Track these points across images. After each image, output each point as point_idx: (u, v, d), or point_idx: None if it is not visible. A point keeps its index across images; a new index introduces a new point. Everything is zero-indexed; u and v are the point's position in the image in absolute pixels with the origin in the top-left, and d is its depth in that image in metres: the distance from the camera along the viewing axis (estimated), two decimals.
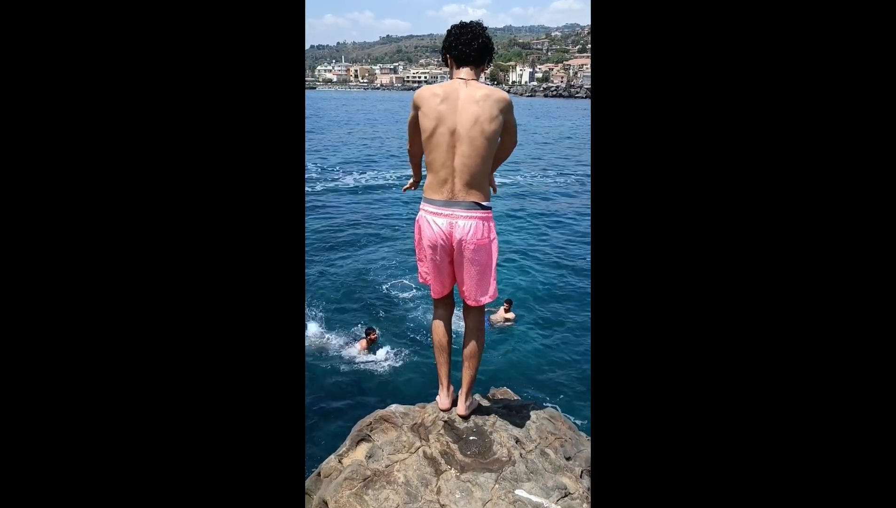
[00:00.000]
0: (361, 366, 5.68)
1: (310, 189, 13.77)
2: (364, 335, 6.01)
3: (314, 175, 16.06)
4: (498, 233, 1.90)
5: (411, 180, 2.11)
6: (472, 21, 1.86)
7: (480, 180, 1.77)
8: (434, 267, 1.95)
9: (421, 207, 1.89)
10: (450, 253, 1.87)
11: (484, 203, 1.80)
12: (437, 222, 1.83)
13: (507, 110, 1.75)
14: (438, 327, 2.08)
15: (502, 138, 1.82)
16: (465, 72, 1.81)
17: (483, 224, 1.80)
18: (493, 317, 6.87)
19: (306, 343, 5.85)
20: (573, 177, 16.69)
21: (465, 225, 1.79)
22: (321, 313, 6.68)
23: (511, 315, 6.93)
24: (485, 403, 2.63)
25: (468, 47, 1.79)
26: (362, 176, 16.37)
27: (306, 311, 6.49)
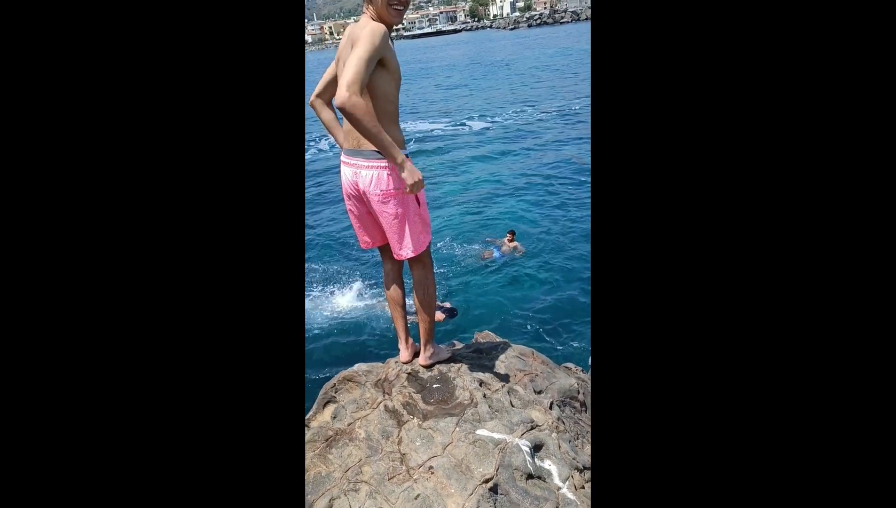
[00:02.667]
0: (344, 321, 5.74)
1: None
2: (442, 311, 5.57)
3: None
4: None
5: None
6: None
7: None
8: (353, 218, 1.92)
9: None
10: (365, 204, 1.81)
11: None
12: (345, 171, 1.79)
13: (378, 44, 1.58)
14: (387, 281, 2.07)
15: (382, 75, 1.66)
16: (365, 8, 1.69)
17: (386, 174, 1.71)
18: (503, 249, 6.99)
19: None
20: (556, 110, 16.20)
21: (367, 175, 1.71)
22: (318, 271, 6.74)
23: (516, 244, 7.03)
24: (458, 348, 2.65)
25: None
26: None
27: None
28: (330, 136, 1.94)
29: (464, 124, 15.20)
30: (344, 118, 1.55)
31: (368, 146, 1.67)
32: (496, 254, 7.01)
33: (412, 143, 12.78)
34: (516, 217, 8.34)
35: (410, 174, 1.60)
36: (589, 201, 8.58)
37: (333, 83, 1.81)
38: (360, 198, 1.81)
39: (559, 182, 9.81)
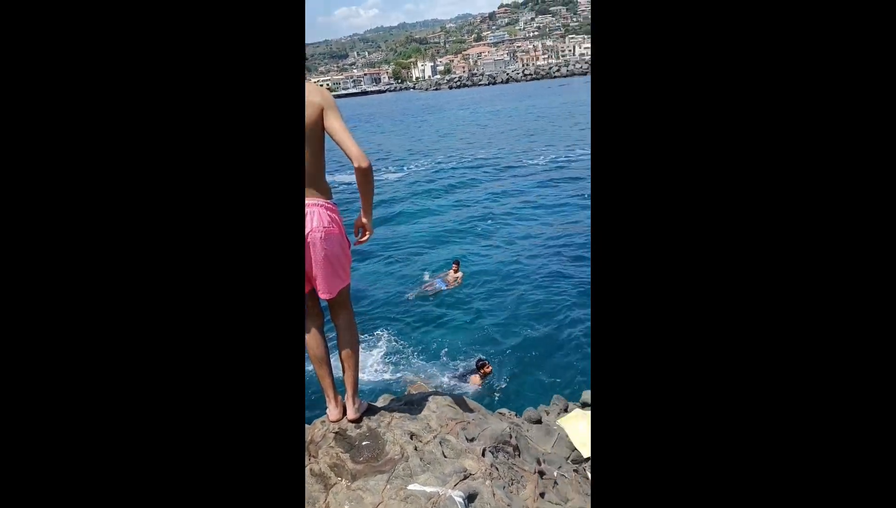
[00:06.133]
0: None
1: None
2: (477, 369, 5.25)
3: None
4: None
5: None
6: None
7: (314, 179, 1.72)
8: None
9: None
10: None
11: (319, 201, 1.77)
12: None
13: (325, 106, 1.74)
14: (309, 339, 2.00)
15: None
16: None
17: (326, 212, 1.76)
18: (447, 278, 7.00)
19: None
20: (481, 159, 17.06)
21: (309, 213, 1.73)
22: None
23: (460, 274, 7.08)
24: (390, 402, 2.59)
25: None
26: None
27: None
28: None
29: (391, 171, 15.60)
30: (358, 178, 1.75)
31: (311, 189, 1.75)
32: (439, 284, 7.02)
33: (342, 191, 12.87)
34: (454, 249, 8.50)
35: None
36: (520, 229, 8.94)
37: None
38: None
39: (495, 218, 10.20)
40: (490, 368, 5.15)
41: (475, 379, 5.10)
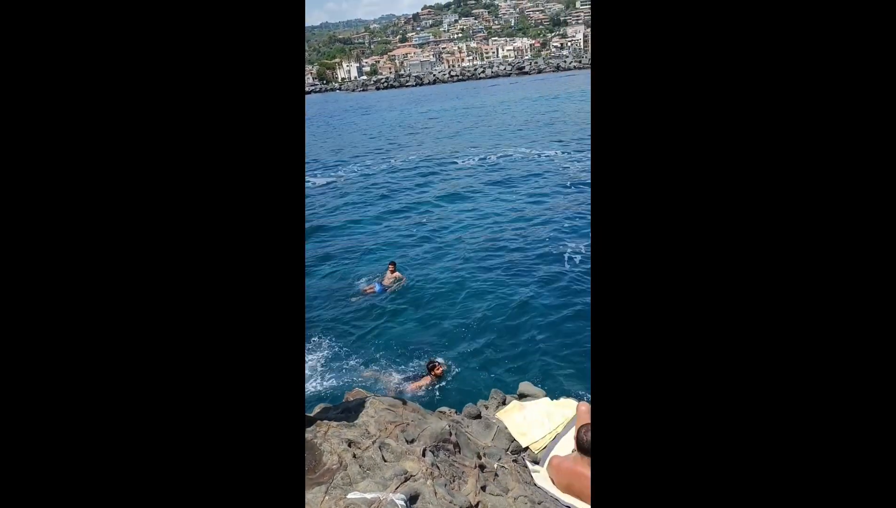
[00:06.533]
0: None
1: None
2: (428, 371, 5.12)
3: None
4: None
5: None
6: None
7: None
8: None
9: None
10: None
11: None
12: None
13: None
14: None
15: None
16: None
17: None
18: (385, 282, 6.88)
19: None
20: (410, 160, 17.09)
21: None
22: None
23: (398, 275, 7.01)
24: (326, 409, 2.52)
25: None
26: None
27: None
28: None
29: (321, 175, 15.22)
30: None
31: None
32: (378, 288, 6.92)
33: None
34: (390, 252, 8.44)
35: None
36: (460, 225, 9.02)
37: None
38: None
39: (429, 220, 10.21)
40: (441, 369, 5.08)
41: (426, 380, 5.03)
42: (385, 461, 1.96)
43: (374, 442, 2.05)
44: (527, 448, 2.96)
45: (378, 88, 79.55)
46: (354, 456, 1.90)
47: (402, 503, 1.71)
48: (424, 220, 10.37)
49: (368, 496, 1.71)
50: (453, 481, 2.09)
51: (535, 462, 2.80)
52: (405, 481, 1.86)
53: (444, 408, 3.61)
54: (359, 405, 2.38)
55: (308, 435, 2.01)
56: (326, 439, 1.99)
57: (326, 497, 1.69)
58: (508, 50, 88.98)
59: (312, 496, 1.69)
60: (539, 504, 2.21)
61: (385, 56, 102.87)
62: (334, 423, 2.13)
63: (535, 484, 2.49)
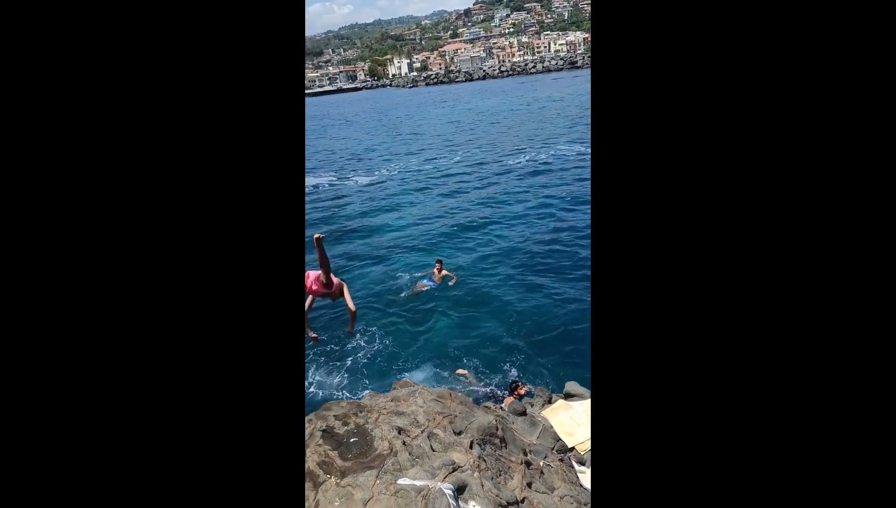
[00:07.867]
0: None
1: None
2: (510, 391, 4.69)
3: None
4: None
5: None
6: None
7: None
8: None
9: None
10: None
11: None
12: None
13: None
14: None
15: None
16: None
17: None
18: (434, 280, 7.02)
19: None
20: (459, 158, 17.09)
21: None
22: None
23: (446, 272, 7.12)
24: (377, 398, 2.59)
25: None
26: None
27: None
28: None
29: (370, 173, 15.48)
30: None
31: None
32: (429, 284, 7.03)
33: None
34: (436, 252, 8.53)
35: None
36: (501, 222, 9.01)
37: None
38: None
39: (479, 218, 10.23)
40: (525, 388, 4.67)
41: (508, 401, 4.69)
42: (433, 450, 2.00)
43: (422, 431, 2.09)
44: (573, 448, 2.93)
45: (428, 84, 79.96)
46: (404, 444, 1.95)
47: (451, 492, 1.74)
48: (474, 219, 10.36)
49: (418, 483, 1.75)
50: (499, 475, 2.10)
51: (581, 464, 2.77)
52: (453, 471, 1.89)
53: (489, 403, 3.62)
54: (408, 395, 2.43)
55: (360, 420, 2.07)
56: (377, 425, 2.05)
57: (377, 482, 1.74)
58: (560, 44, 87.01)
59: (364, 479, 1.75)
60: (585, 505, 2.18)
61: (435, 52, 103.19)
62: (385, 411, 2.18)
63: (581, 485, 2.46)
